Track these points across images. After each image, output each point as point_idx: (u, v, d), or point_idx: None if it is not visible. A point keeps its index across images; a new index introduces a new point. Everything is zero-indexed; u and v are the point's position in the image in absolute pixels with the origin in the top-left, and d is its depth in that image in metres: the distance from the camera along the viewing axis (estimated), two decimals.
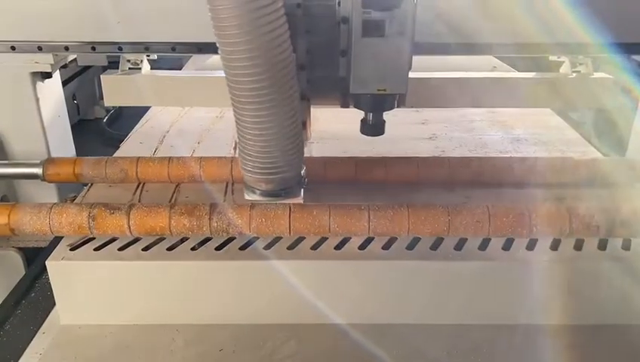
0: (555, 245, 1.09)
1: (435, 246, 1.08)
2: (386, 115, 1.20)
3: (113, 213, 1.06)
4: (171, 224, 1.06)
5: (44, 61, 1.42)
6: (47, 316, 1.11)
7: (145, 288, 1.06)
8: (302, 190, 1.19)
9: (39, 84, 1.48)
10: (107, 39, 1.36)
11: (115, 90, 1.55)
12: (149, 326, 1.07)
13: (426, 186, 1.31)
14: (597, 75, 1.56)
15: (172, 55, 1.40)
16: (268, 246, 1.08)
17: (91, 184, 1.36)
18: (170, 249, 1.07)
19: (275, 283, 1.05)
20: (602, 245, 1.09)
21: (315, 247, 1.08)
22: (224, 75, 0.98)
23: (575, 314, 1.08)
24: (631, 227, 1.06)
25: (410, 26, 1.04)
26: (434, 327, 1.08)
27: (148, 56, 1.53)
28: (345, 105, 1.19)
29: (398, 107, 1.16)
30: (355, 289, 1.07)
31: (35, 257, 1.36)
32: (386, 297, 1.08)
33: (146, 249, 1.07)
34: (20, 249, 1.44)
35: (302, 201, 1.17)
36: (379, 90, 1.10)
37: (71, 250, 1.07)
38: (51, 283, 1.06)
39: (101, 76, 1.54)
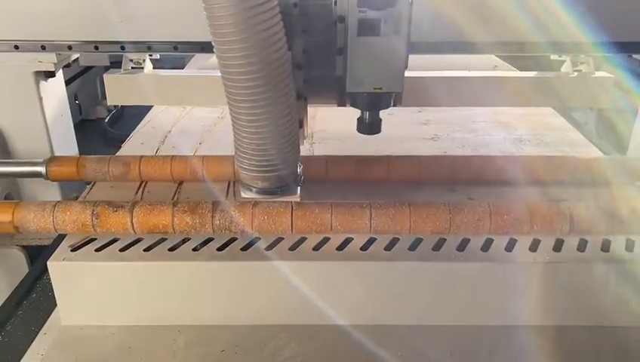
0: (557, 246, 1.08)
1: (437, 246, 1.08)
2: (388, 116, 1.20)
3: (116, 211, 1.07)
4: (174, 222, 1.06)
5: (48, 60, 1.43)
6: (48, 317, 1.11)
7: (146, 289, 1.06)
8: (298, 188, 1.20)
9: (42, 83, 1.49)
10: (110, 38, 1.37)
11: (118, 90, 1.56)
12: (151, 326, 1.07)
13: (427, 185, 1.31)
14: (598, 74, 1.56)
15: (174, 54, 1.41)
16: (270, 247, 1.08)
17: (93, 184, 1.36)
18: (171, 249, 1.07)
19: (276, 283, 1.05)
20: (605, 246, 1.09)
21: (317, 248, 1.08)
22: None
23: (578, 315, 1.07)
24: (631, 226, 1.06)
25: (405, 25, 1.05)
26: (436, 328, 1.07)
27: (150, 55, 1.54)
28: (341, 104, 1.20)
29: (394, 106, 1.17)
30: (357, 290, 1.07)
31: (38, 255, 1.37)
32: (388, 298, 1.08)
33: (147, 249, 1.07)
34: (23, 247, 1.45)
35: (299, 199, 1.18)
36: (375, 88, 1.11)
37: (72, 250, 1.07)
38: (53, 283, 1.06)
39: (104, 75, 1.55)
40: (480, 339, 1.05)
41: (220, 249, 1.07)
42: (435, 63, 1.54)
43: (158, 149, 1.63)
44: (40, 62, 1.43)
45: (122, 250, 1.07)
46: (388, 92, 1.13)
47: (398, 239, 1.09)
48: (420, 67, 1.42)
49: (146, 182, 1.35)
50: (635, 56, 1.46)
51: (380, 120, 1.21)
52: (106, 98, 1.55)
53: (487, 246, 1.08)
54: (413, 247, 1.08)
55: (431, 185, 1.32)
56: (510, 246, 1.08)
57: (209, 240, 1.09)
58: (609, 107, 1.67)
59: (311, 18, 1.10)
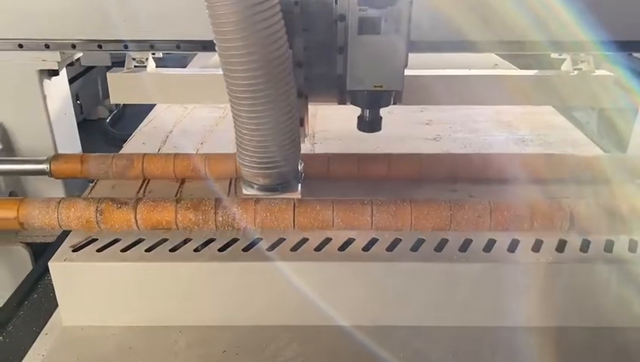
0: (560, 247, 1.08)
1: (439, 247, 1.07)
2: (390, 116, 1.20)
3: (120, 207, 1.07)
4: (177, 218, 1.07)
5: (52, 59, 1.44)
6: (49, 317, 1.10)
7: (148, 289, 1.06)
8: (299, 184, 1.21)
9: (46, 81, 1.49)
10: (113, 37, 1.38)
11: (121, 88, 1.57)
12: (152, 327, 1.07)
13: (428, 183, 1.32)
14: (598, 72, 1.56)
15: (177, 53, 1.42)
16: (271, 248, 1.07)
17: (95, 183, 1.36)
18: (173, 250, 1.07)
19: (278, 284, 1.04)
20: (608, 247, 1.08)
21: (318, 248, 1.08)
22: None
23: (580, 316, 1.07)
24: (632, 224, 1.06)
25: (405, 23, 1.06)
26: (438, 329, 1.07)
27: (153, 54, 1.55)
28: (342, 102, 1.21)
29: (394, 104, 1.18)
30: (359, 291, 1.07)
31: (42, 253, 1.37)
32: (390, 299, 1.07)
33: (149, 250, 1.07)
34: (27, 244, 1.45)
35: (300, 196, 1.18)
36: (375, 86, 1.12)
37: (74, 251, 1.07)
38: (54, 284, 1.06)
39: (107, 74, 1.56)
40: (482, 340, 1.04)
41: (221, 249, 1.07)
42: (435, 62, 1.54)
43: (159, 149, 1.63)
44: (44, 60, 1.44)
45: (123, 250, 1.07)
46: (388, 90, 1.14)
47: (400, 240, 1.09)
48: (420, 65, 1.42)
49: (149, 181, 1.35)
50: (635, 54, 1.46)
51: (381, 118, 1.22)
52: (107, 98, 1.56)
53: (489, 246, 1.08)
54: (415, 248, 1.07)
55: (432, 182, 1.32)
56: (512, 247, 1.08)
57: (210, 240, 1.09)
58: (609, 106, 1.67)
59: (312, 16, 1.11)
